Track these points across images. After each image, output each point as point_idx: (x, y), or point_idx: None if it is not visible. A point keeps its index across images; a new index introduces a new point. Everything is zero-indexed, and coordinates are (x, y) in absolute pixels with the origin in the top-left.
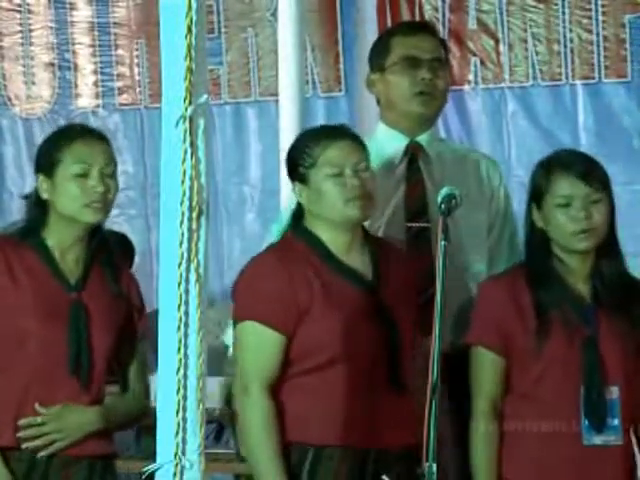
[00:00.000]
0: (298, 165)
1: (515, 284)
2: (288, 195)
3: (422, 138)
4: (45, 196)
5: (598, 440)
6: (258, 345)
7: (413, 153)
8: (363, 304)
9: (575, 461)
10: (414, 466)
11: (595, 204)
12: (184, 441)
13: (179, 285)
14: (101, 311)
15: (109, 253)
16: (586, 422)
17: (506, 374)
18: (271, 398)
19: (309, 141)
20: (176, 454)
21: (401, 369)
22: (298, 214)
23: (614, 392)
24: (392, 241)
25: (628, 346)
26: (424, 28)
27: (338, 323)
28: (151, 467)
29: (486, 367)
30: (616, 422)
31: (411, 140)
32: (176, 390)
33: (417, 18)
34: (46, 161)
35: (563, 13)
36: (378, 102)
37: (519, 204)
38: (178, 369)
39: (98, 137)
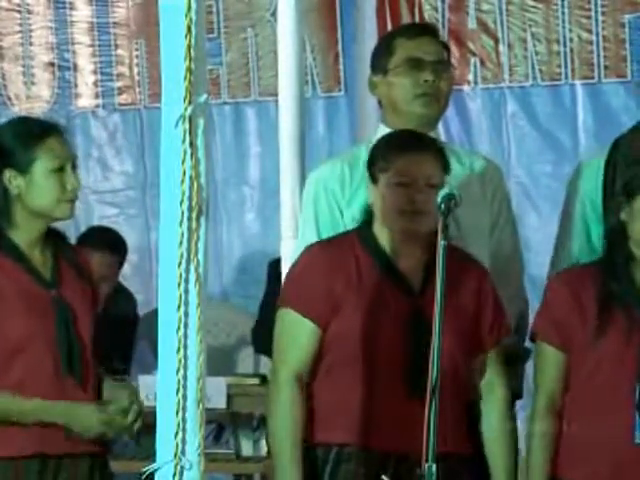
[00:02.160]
0: (373, 165)
1: (582, 280)
2: (288, 195)
3: None
4: (15, 192)
5: None
6: (292, 333)
7: None
8: (400, 307)
9: (626, 460)
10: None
11: None
12: (184, 441)
13: (179, 285)
14: (79, 303)
15: (63, 239)
16: (639, 420)
17: (567, 371)
18: (299, 387)
19: (390, 144)
20: (176, 454)
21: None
22: (368, 221)
23: None
24: (477, 261)
25: None
26: (427, 30)
27: (367, 319)
28: (151, 467)
29: (548, 363)
30: None
31: None
32: (176, 390)
33: (417, 18)
34: (20, 158)
35: (563, 13)
36: (380, 104)
37: (518, 204)
38: (178, 369)
39: (62, 131)
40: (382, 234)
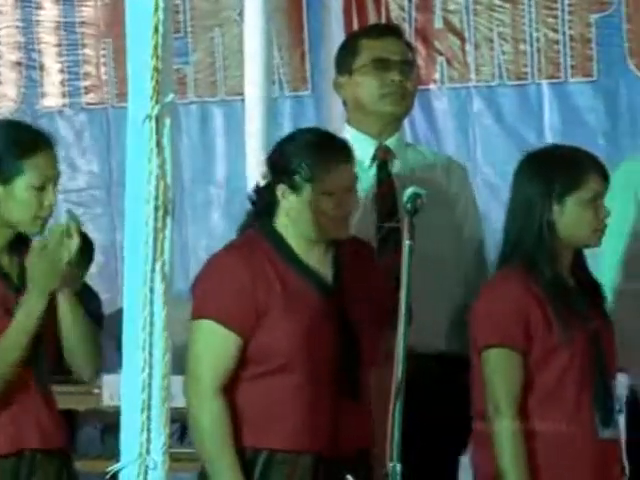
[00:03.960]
0: (294, 172)
1: (524, 282)
2: None
3: (390, 142)
4: None
5: (607, 434)
6: (213, 345)
7: (382, 156)
8: (322, 308)
9: (591, 455)
10: (366, 473)
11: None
12: (149, 440)
13: (144, 284)
14: (48, 307)
15: (28, 244)
16: (597, 416)
17: (527, 372)
18: (223, 399)
19: (312, 154)
20: (140, 453)
21: (357, 376)
22: (267, 214)
23: (614, 386)
24: (362, 240)
25: (614, 340)
26: (392, 31)
27: (296, 327)
28: (115, 467)
29: (509, 367)
30: (617, 416)
31: (380, 143)
32: (141, 389)
33: (383, 18)
34: (4, 167)
35: (529, 12)
36: (345, 105)
37: (485, 203)
38: (143, 368)
39: (53, 146)
40: (287, 232)
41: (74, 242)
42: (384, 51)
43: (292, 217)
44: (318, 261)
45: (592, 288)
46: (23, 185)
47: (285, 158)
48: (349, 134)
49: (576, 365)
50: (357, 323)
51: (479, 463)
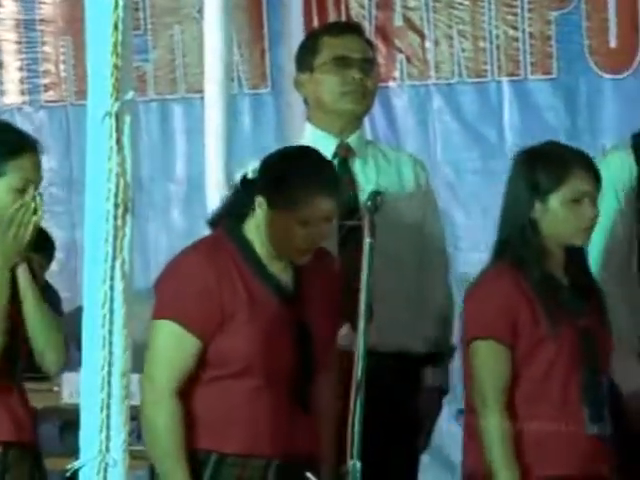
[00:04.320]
0: (278, 191)
1: (513, 278)
2: (213, 192)
3: (351, 140)
4: None
5: (596, 430)
6: (172, 346)
7: (343, 154)
8: (281, 314)
9: (580, 450)
10: (318, 476)
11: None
12: (108, 438)
13: (104, 282)
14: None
15: None
16: (586, 412)
17: (514, 366)
18: (178, 400)
19: (300, 182)
20: (100, 451)
21: (309, 382)
22: (238, 216)
23: (605, 383)
24: (325, 249)
25: (609, 339)
26: (352, 29)
27: (257, 332)
28: (75, 464)
29: (496, 360)
30: (607, 413)
31: (340, 141)
32: (100, 387)
33: (343, 15)
34: None
35: (489, 10)
36: (306, 102)
37: (445, 201)
38: (102, 366)
39: (39, 150)
40: (254, 238)
41: (38, 218)
42: (345, 49)
43: (261, 229)
44: (280, 268)
45: (587, 286)
46: (3, 186)
47: (274, 174)
48: (310, 132)
49: (563, 359)
50: (314, 331)
51: (469, 455)
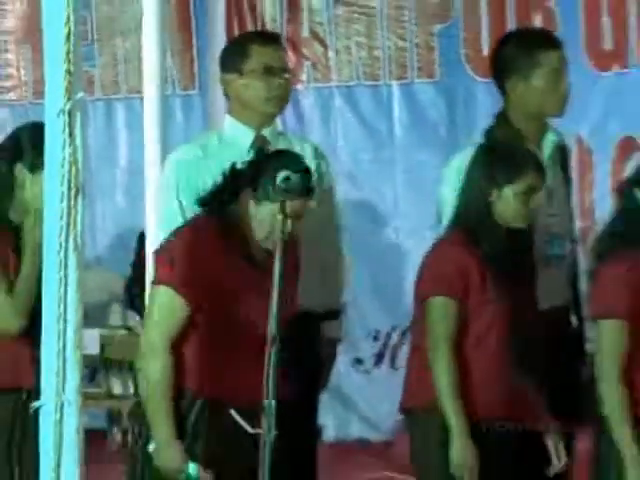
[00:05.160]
0: (261, 185)
1: (466, 245)
2: (151, 176)
3: (266, 132)
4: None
5: (525, 380)
6: (169, 309)
7: (260, 145)
8: (262, 290)
9: (509, 392)
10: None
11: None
12: (64, 381)
13: (59, 252)
14: None
15: None
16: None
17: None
18: (171, 353)
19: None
20: (57, 392)
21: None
22: (229, 200)
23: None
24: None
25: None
26: (275, 39)
27: (238, 304)
28: (36, 404)
29: (448, 314)
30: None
31: (257, 133)
32: (57, 337)
33: (259, 27)
34: (30, 158)
35: (381, 24)
36: (227, 97)
37: (344, 189)
38: (58, 320)
39: None
40: (245, 223)
41: None
42: (272, 59)
43: (251, 217)
44: (257, 245)
45: (525, 261)
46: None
47: (262, 170)
48: (229, 123)
49: (501, 319)
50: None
51: (412, 383)
